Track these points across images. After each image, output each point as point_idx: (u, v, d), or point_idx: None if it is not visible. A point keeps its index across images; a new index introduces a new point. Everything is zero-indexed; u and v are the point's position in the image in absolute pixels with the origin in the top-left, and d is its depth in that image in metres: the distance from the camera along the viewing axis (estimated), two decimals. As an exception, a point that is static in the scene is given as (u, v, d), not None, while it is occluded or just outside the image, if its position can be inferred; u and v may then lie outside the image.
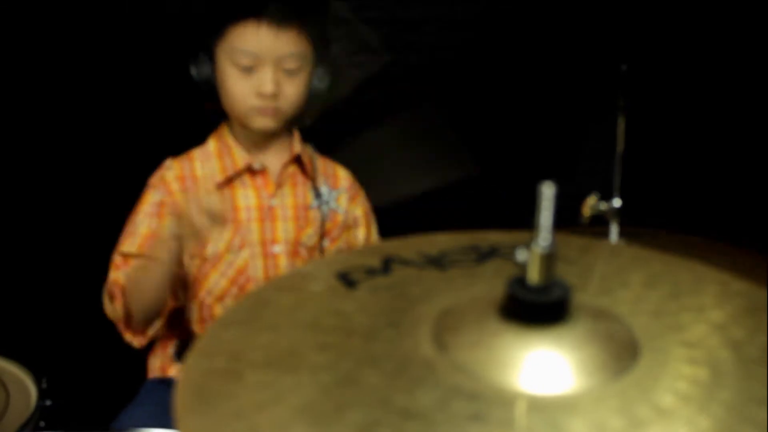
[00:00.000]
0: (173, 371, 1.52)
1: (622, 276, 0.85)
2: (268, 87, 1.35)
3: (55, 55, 1.90)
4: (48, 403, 1.32)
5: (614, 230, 1.23)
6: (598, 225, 1.29)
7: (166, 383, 1.51)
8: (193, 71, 1.41)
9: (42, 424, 1.29)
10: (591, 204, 1.23)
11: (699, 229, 1.41)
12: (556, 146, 2.07)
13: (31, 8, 1.87)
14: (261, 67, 1.36)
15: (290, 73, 1.37)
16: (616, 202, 1.23)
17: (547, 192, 0.64)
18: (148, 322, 1.41)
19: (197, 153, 1.48)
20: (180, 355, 1.53)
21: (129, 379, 1.59)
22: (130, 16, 1.90)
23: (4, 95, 1.91)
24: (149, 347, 1.53)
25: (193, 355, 0.67)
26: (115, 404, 1.52)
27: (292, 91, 1.39)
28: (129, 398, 1.53)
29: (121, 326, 1.44)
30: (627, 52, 1.68)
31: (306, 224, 1.48)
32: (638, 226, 1.33)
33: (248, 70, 1.36)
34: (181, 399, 0.61)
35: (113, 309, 1.41)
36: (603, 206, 1.22)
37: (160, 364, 1.55)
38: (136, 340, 1.45)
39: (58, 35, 1.88)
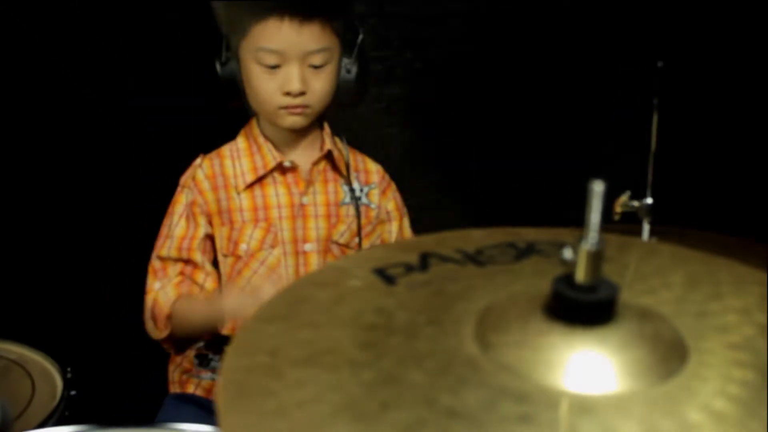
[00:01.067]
0: (192, 385, 1.52)
1: (663, 275, 0.84)
2: (295, 85, 1.33)
3: (84, 50, 1.89)
4: (73, 393, 1.32)
5: (646, 228, 1.21)
6: (626, 223, 1.27)
7: (187, 400, 1.51)
8: (218, 70, 1.39)
9: (67, 413, 1.29)
10: (623, 202, 1.21)
11: (729, 227, 1.39)
12: (583, 143, 2.05)
13: (54, 4, 1.87)
14: (286, 65, 1.33)
15: (316, 68, 1.35)
16: (649, 200, 1.21)
17: (597, 190, 0.63)
18: (191, 343, 1.43)
19: (227, 150, 1.47)
20: (203, 358, 1.52)
21: (153, 369, 1.59)
22: (155, 13, 1.89)
23: (29, 93, 1.91)
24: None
25: (232, 352, 0.66)
26: (140, 394, 1.52)
27: (320, 87, 1.37)
28: (153, 388, 1.53)
29: (162, 344, 1.45)
30: (663, 48, 1.65)
31: (338, 221, 1.46)
32: (666, 224, 1.32)
33: (274, 68, 1.34)
34: (222, 396, 0.60)
35: (157, 332, 1.42)
36: (635, 204, 1.20)
37: (179, 373, 1.55)
38: (173, 351, 1.47)
39: (87, 29, 1.88)
